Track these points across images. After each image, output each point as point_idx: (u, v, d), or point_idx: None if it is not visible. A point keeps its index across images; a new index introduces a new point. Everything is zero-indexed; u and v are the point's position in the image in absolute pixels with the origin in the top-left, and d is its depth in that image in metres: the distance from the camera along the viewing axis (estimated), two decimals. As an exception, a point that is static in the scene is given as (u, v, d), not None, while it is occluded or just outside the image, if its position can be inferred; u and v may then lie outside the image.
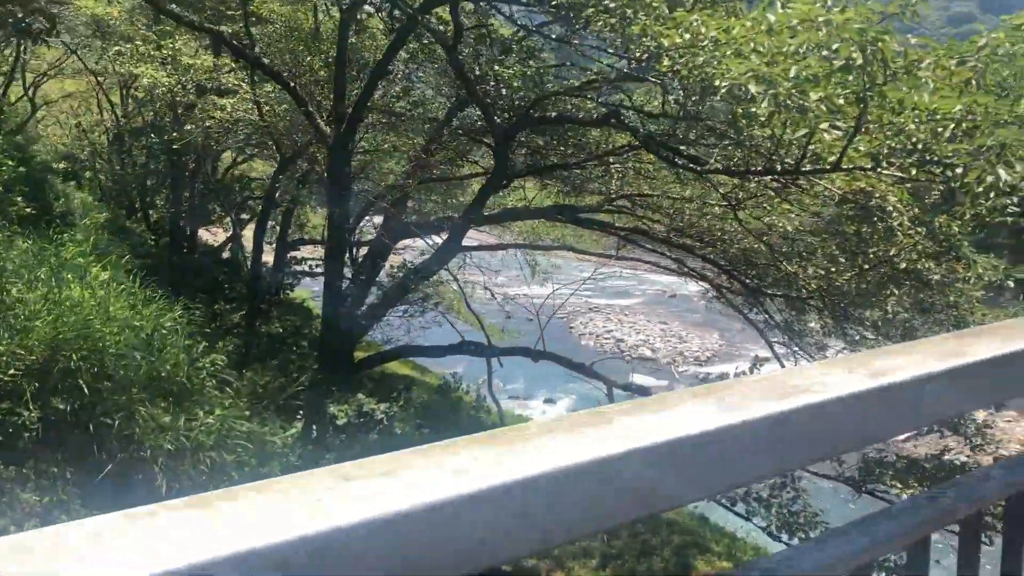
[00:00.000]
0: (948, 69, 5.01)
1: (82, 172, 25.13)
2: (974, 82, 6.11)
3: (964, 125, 5.62)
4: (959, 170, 5.10)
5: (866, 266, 9.08)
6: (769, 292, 10.33)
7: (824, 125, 4.98)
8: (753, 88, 4.94)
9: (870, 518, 1.26)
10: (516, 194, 16.53)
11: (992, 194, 4.99)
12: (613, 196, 13.32)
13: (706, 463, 0.94)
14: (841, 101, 5.29)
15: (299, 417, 11.18)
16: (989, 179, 4.89)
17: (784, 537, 9.28)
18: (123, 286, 11.57)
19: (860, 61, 4.87)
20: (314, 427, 11.00)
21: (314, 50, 13.48)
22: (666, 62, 6.17)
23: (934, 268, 8.63)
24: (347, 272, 13.18)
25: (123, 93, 24.03)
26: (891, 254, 8.56)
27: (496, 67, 10.18)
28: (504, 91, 10.32)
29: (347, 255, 12.69)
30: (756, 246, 10.21)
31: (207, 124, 12.98)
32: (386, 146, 13.22)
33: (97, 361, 8.77)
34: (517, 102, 9.93)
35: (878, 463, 9.18)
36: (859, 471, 9.35)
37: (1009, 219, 7.86)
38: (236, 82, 14.23)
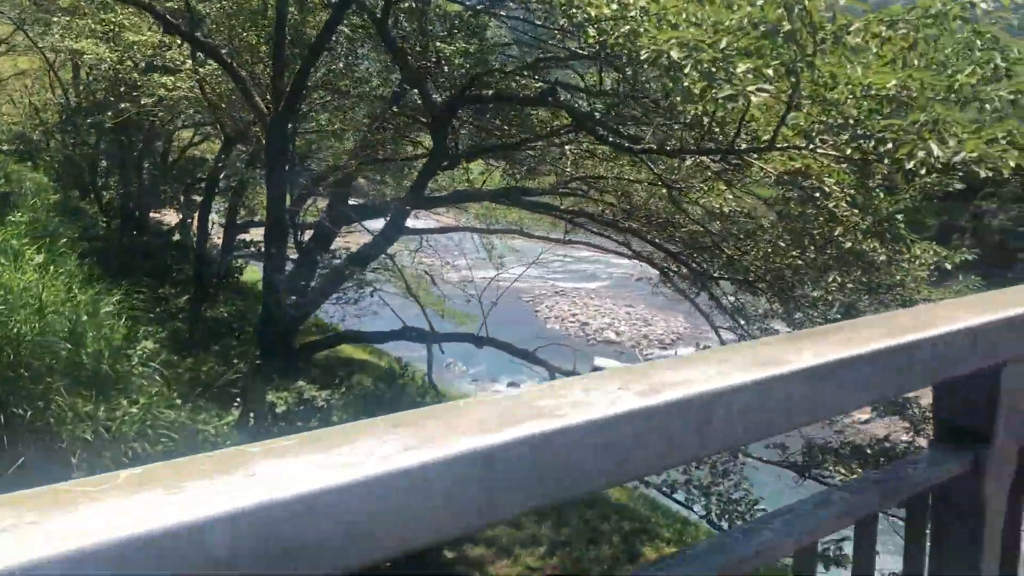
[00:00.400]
0: (879, 35, 4.75)
1: (36, 152, 24.51)
2: (914, 59, 5.89)
3: (899, 100, 5.39)
4: (890, 146, 4.86)
5: (812, 247, 8.88)
6: (715, 275, 10.10)
7: (751, 88, 4.70)
8: (675, 54, 4.65)
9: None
10: (470, 175, 16.21)
11: (924, 170, 4.76)
12: (567, 178, 13.02)
13: (377, 517, 0.68)
14: (770, 72, 5.02)
15: (236, 405, 10.83)
16: (920, 154, 4.66)
17: (724, 526, 9.11)
18: (62, 270, 11.23)
19: (788, 26, 4.60)
20: (251, 415, 10.65)
21: (259, 27, 13.03)
22: (592, 32, 5.87)
23: (880, 249, 8.45)
24: (294, 255, 12.83)
25: (75, 71, 23.39)
26: (836, 234, 8.35)
27: (438, 43, 9.82)
28: (446, 68, 9.97)
29: (291, 239, 12.30)
30: (699, 228, 9.96)
31: (143, 102, 12.50)
32: (330, 126, 12.81)
33: (13, 349, 8.42)
34: (458, 80, 9.58)
35: (822, 448, 9.03)
36: (802, 456, 9.19)
37: (949, 187, 7.72)
38: (182, 59, 13.77)
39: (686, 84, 5.19)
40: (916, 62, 5.83)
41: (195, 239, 16.63)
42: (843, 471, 8.72)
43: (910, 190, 8.21)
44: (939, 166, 4.75)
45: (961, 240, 31.57)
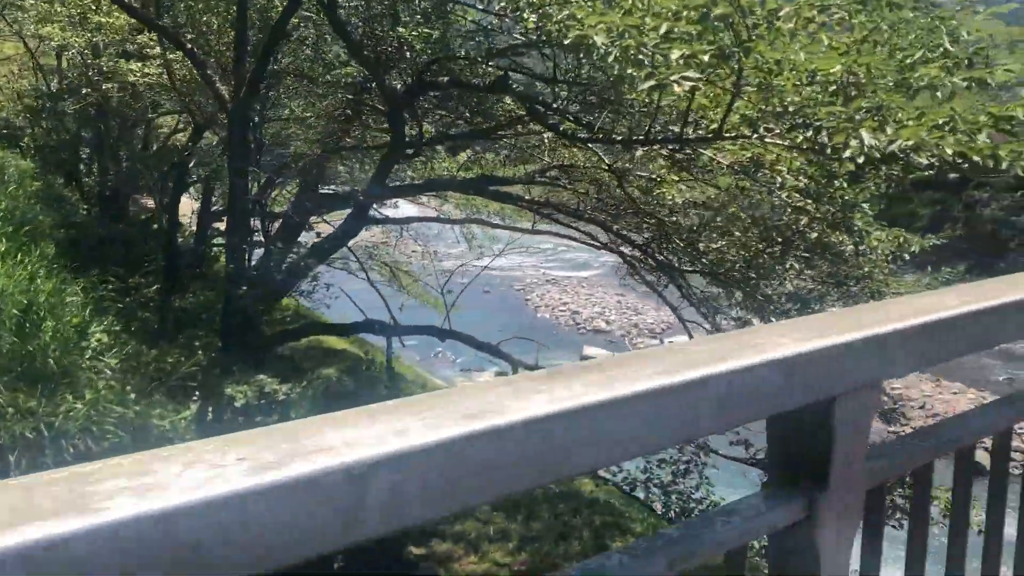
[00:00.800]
0: (812, 20, 4.50)
1: (20, 138, 24.33)
2: (870, 49, 5.66)
3: (848, 88, 5.14)
4: (824, 134, 4.61)
5: (779, 239, 8.65)
6: (681, 268, 9.86)
7: (674, 76, 4.45)
8: (599, 40, 4.40)
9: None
10: (446, 164, 15.99)
11: (862, 159, 4.52)
12: (544, 167, 12.74)
13: None
14: (705, 58, 4.77)
15: (195, 399, 10.61)
16: (854, 143, 4.41)
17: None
18: (27, 258, 11.09)
19: (719, 10, 4.35)
20: (210, 409, 10.44)
21: (225, 11, 12.75)
22: (531, 17, 5.62)
23: (847, 240, 8.20)
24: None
25: (58, 57, 23.16)
26: (802, 225, 8.12)
27: (399, 28, 9.54)
28: (408, 54, 9.70)
29: (256, 228, 12.08)
30: (660, 219, 9.69)
31: (105, 87, 12.24)
32: (294, 114, 12.56)
33: (-49, 342, 8.24)
34: (416, 66, 9.31)
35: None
36: (767, 453, 8.96)
37: (913, 175, 7.46)
38: (152, 43, 13.52)
39: (630, 71, 4.94)
40: (877, 49, 5.59)
41: (166, 227, 16.39)
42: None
43: (872, 179, 7.98)
44: (877, 155, 4.51)
45: (953, 229, 31.32)
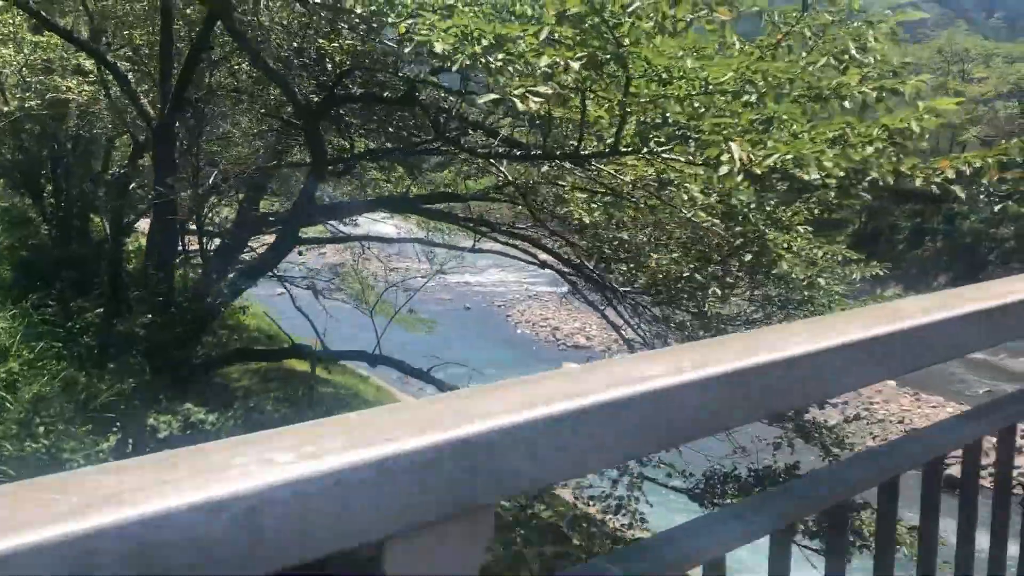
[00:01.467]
0: (668, 16, 4.04)
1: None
2: (788, 48, 5.22)
3: (745, 97, 4.68)
4: (689, 147, 4.15)
5: (717, 257, 8.17)
6: (616, 287, 9.39)
7: (518, 92, 3.98)
8: (439, 47, 3.93)
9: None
10: (400, 183, 15.55)
11: (740, 177, 4.04)
12: (501, 184, 12.31)
13: None
14: (576, 66, 4.30)
15: (115, 430, 10.07)
16: (725, 157, 3.94)
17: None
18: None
19: (574, 8, 3.89)
20: (130, 441, 9.92)
21: (152, 28, 12.32)
22: (402, 23, 5.15)
23: (789, 262, 7.71)
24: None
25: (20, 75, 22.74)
26: (736, 244, 7.65)
27: (320, 40, 9.09)
28: (329, 66, 9.25)
29: (184, 249, 11.62)
30: (565, 238, 9.24)
31: (28, 104, 11.82)
32: (230, 130, 12.12)
33: None
34: (332, 79, 8.86)
35: (723, 477, 8.32)
36: (704, 484, 8.47)
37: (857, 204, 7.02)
38: (88, 61, 13.11)
39: (485, 81, 4.48)
40: (787, 57, 5.15)
41: (111, 248, 15.89)
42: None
43: (805, 202, 7.55)
44: (757, 171, 4.04)
45: (934, 242, 30.86)
